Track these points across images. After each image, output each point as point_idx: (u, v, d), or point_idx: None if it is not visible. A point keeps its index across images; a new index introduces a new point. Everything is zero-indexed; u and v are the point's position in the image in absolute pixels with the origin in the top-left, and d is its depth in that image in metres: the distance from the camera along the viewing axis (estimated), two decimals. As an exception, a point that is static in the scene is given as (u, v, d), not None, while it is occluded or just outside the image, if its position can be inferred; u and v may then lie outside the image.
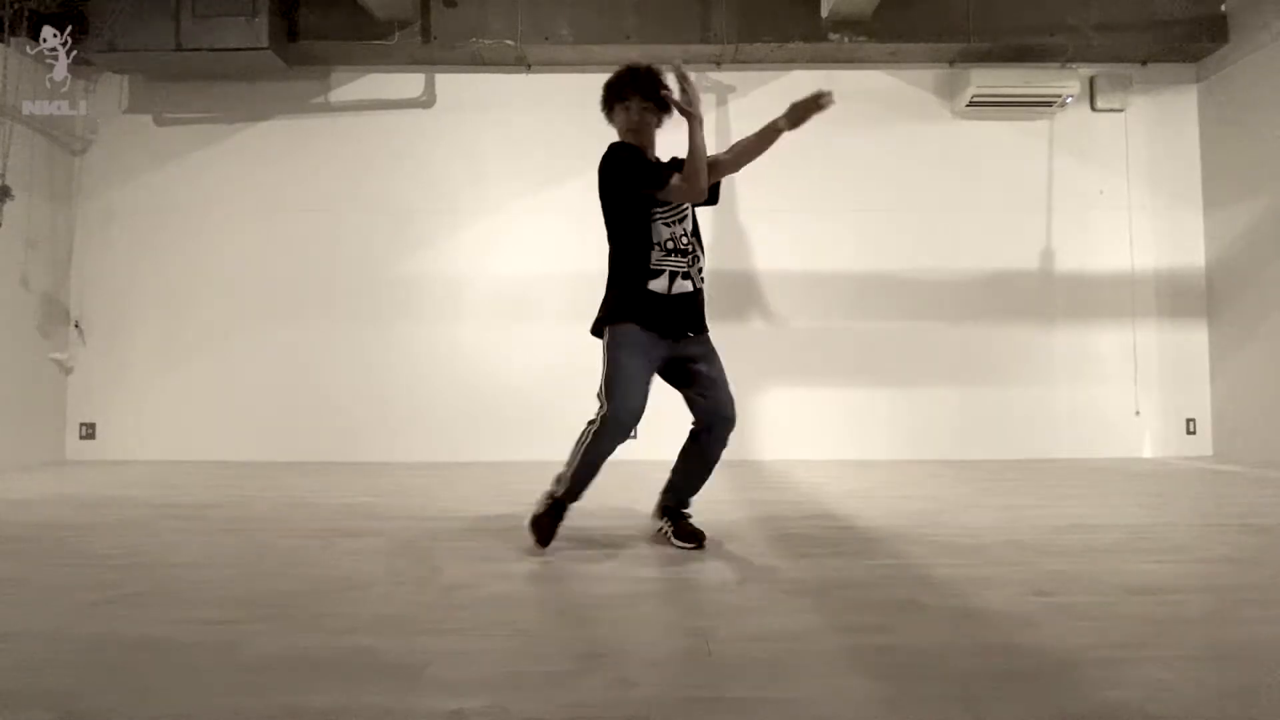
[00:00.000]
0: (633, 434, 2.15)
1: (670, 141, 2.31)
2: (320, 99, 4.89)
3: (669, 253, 2.19)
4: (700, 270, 2.26)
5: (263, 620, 1.56)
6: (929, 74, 4.90)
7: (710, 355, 2.29)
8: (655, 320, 2.17)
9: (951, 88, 4.86)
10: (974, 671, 1.28)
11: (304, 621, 1.56)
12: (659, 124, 2.27)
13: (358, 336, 4.79)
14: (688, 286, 2.20)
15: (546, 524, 2.19)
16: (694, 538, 2.24)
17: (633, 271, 2.18)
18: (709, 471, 2.34)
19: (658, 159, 2.29)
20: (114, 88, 4.86)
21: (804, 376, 4.75)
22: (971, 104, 4.73)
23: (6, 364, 4.32)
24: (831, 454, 4.70)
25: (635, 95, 2.20)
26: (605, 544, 2.28)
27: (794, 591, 1.79)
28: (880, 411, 4.77)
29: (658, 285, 2.17)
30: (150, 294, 4.80)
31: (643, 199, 2.18)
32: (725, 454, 2.32)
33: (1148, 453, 4.79)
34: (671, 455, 2.36)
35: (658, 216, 2.19)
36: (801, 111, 2.26)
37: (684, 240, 2.22)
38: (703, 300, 2.27)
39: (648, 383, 2.17)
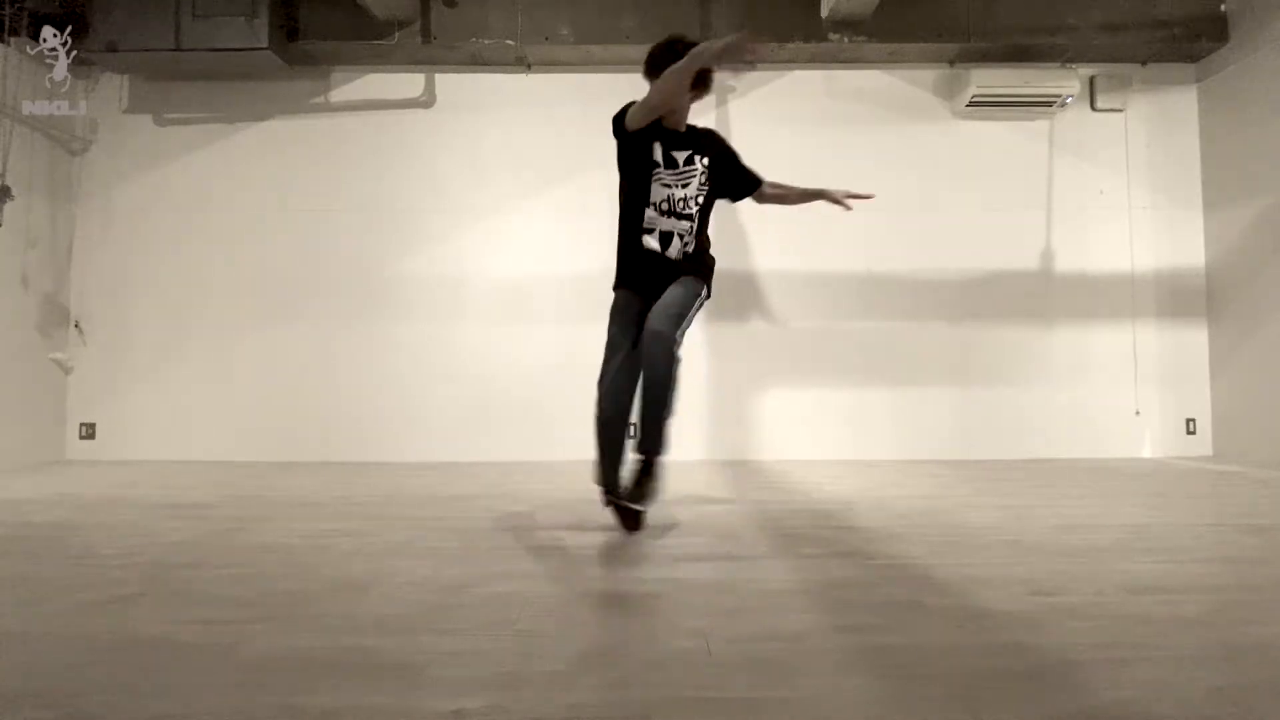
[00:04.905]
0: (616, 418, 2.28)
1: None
2: (320, 99, 4.89)
3: (664, 213, 2.31)
4: (678, 239, 2.36)
5: (263, 620, 1.56)
6: (929, 74, 4.90)
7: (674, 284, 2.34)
8: (641, 279, 2.33)
9: (951, 88, 4.86)
10: (974, 671, 1.28)
11: (304, 621, 1.56)
12: (695, 98, 2.38)
13: (358, 336, 4.79)
14: (681, 249, 2.35)
15: (617, 511, 2.36)
16: (629, 517, 2.33)
17: (627, 228, 2.36)
18: (646, 400, 2.24)
19: (690, 127, 2.43)
20: (114, 88, 4.85)
21: (804, 376, 4.75)
22: (971, 104, 4.73)
23: (6, 364, 4.32)
24: (831, 454, 4.70)
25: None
26: (605, 543, 2.28)
27: (794, 591, 1.79)
28: (880, 411, 4.77)
29: (651, 241, 2.31)
30: (150, 294, 4.80)
31: (641, 157, 2.31)
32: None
33: (1148, 453, 4.78)
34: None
35: (657, 177, 2.31)
36: (730, 54, 2.21)
37: (681, 205, 2.33)
38: (690, 261, 2.37)
39: (624, 354, 2.31)
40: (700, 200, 2.40)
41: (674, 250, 2.34)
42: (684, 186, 2.34)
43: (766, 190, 2.59)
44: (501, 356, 4.75)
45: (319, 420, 4.74)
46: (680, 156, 2.37)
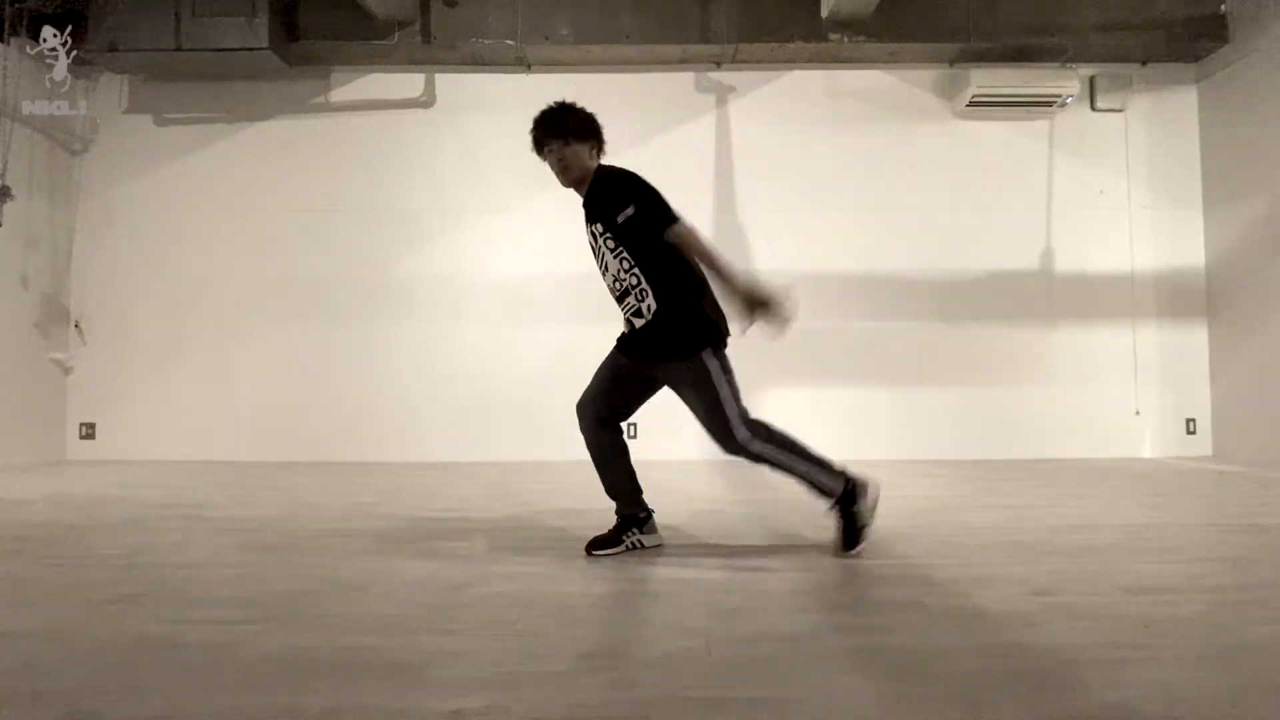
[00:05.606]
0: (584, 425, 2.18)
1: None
2: (320, 99, 4.89)
3: (616, 300, 2.16)
4: (634, 309, 2.09)
5: (263, 620, 1.56)
6: (929, 74, 4.89)
7: (658, 384, 2.19)
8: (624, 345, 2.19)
9: (951, 88, 4.85)
10: (974, 671, 1.28)
11: (304, 621, 1.56)
12: (589, 152, 2.18)
13: (358, 336, 4.79)
14: (634, 324, 2.11)
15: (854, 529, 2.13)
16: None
17: None
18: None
19: (589, 188, 2.20)
20: (114, 88, 4.85)
21: (804, 376, 4.75)
22: (971, 104, 4.73)
23: (6, 364, 4.32)
24: (831, 454, 4.68)
25: (549, 139, 2.17)
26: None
27: (794, 591, 1.79)
28: (880, 411, 4.77)
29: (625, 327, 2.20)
30: (150, 294, 4.80)
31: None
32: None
33: (1148, 453, 4.78)
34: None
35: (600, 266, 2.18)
36: (760, 311, 2.10)
37: (614, 286, 2.12)
38: (647, 332, 2.09)
39: (599, 381, 2.18)
40: (624, 268, 2.05)
41: (641, 322, 2.09)
42: (602, 270, 2.13)
43: (676, 237, 2.05)
44: (501, 356, 4.75)
45: (319, 420, 4.74)
46: (590, 234, 2.15)
